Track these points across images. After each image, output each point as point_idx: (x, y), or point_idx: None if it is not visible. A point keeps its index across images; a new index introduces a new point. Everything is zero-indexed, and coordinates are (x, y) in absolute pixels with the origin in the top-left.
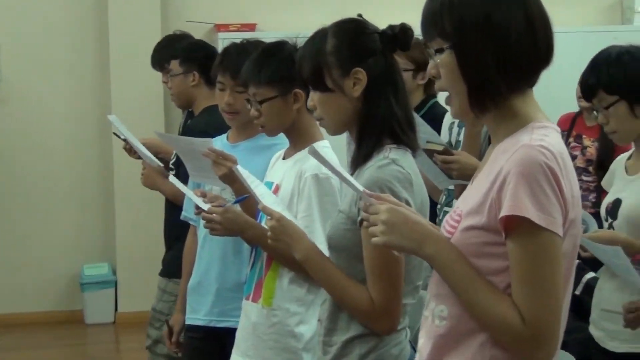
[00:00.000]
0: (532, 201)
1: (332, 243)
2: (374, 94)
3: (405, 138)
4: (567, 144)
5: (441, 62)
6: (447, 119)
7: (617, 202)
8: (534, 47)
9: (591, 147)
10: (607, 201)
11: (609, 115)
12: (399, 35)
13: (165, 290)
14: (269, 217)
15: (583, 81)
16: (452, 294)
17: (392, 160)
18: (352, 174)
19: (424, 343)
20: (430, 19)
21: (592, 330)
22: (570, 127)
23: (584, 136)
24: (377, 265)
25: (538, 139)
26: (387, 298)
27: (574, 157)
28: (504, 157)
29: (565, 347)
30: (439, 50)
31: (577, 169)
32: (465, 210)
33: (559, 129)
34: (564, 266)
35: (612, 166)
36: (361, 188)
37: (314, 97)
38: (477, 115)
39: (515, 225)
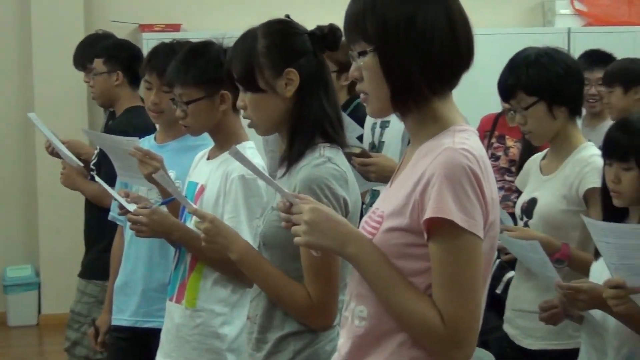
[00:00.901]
0: (455, 204)
1: (266, 241)
2: (306, 93)
3: (336, 137)
4: (490, 144)
5: (364, 65)
6: (370, 119)
7: (532, 202)
8: (456, 51)
9: (514, 148)
10: (522, 200)
11: (527, 116)
12: (328, 35)
13: (84, 292)
14: (199, 220)
15: (501, 82)
16: (371, 294)
17: (328, 159)
18: (284, 173)
19: (344, 343)
20: (353, 21)
21: (507, 328)
22: (492, 127)
23: (506, 137)
24: (315, 262)
25: (460, 142)
26: (324, 295)
27: (496, 158)
28: (427, 160)
29: (486, 346)
30: (362, 53)
31: (500, 169)
32: (387, 211)
33: (477, 132)
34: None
35: (527, 166)
36: (284, 188)
37: (245, 97)
38: (399, 117)
39: (439, 227)
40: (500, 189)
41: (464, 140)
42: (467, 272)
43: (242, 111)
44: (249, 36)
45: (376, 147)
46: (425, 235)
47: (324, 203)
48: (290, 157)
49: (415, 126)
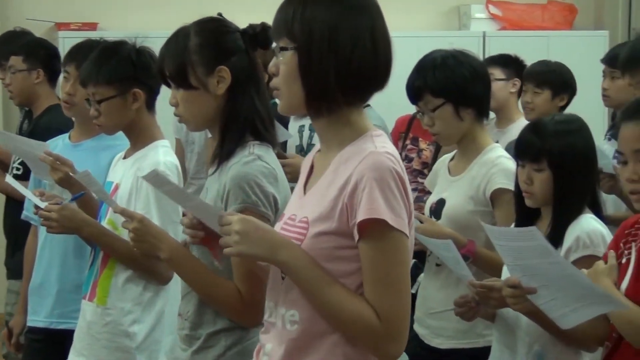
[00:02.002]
0: (386, 204)
1: None
2: (238, 91)
3: (267, 135)
4: (404, 146)
5: (283, 60)
6: (297, 122)
7: (440, 202)
8: (375, 67)
9: (427, 150)
10: (431, 201)
11: (434, 117)
12: (260, 34)
13: (18, 292)
14: (126, 220)
15: (409, 84)
16: (302, 298)
17: (257, 156)
18: (214, 171)
19: (275, 348)
20: (282, 18)
21: (417, 328)
22: (407, 129)
23: (420, 139)
24: (245, 260)
25: (382, 146)
26: (255, 292)
27: (410, 160)
28: (351, 165)
29: None
30: (284, 49)
31: (413, 171)
32: (313, 217)
33: (387, 136)
34: None
35: (436, 166)
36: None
37: (177, 94)
38: (310, 118)
39: (370, 228)
40: (413, 190)
41: (384, 145)
42: (398, 269)
43: (174, 108)
44: (182, 34)
45: (304, 150)
46: (357, 237)
47: (254, 200)
48: (221, 155)
49: (326, 130)
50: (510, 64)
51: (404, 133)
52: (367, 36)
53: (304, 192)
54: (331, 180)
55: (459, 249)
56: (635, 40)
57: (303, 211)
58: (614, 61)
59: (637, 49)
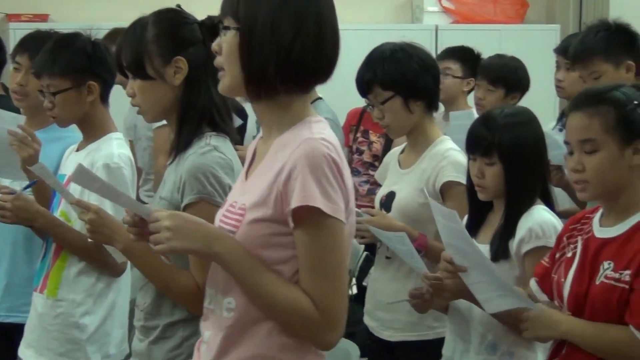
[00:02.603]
0: (320, 191)
1: None
2: (195, 82)
3: (224, 125)
4: (355, 138)
5: (225, 39)
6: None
7: (390, 195)
8: (317, 61)
9: (377, 143)
10: (381, 194)
11: (384, 110)
12: (218, 25)
13: None
14: (82, 211)
15: (359, 77)
16: (238, 285)
17: (214, 147)
18: (171, 161)
19: (213, 335)
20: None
21: (367, 320)
22: (358, 121)
23: (370, 132)
24: None
25: (319, 132)
26: None
27: (360, 152)
28: (287, 151)
29: (352, 337)
30: (227, 28)
31: (364, 163)
32: (249, 203)
33: (328, 123)
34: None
35: (386, 159)
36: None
37: (134, 85)
38: (250, 101)
39: (305, 215)
40: (365, 182)
41: (321, 131)
42: (333, 257)
43: (131, 99)
44: (139, 24)
45: None
46: (291, 224)
47: (209, 191)
48: (178, 145)
49: (266, 115)
50: (469, 59)
51: (355, 126)
52: (312, 25)
53: (246, 178)
54: (268, 167)
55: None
56: (585, 32)
57: (243, 198)
58: (567, 51)
59: (586, 42)
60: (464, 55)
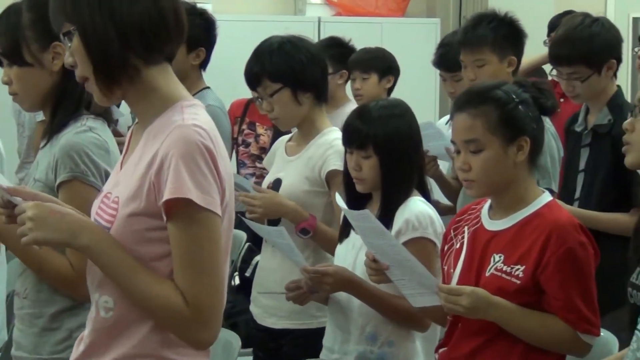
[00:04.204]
0: (192, 182)
1: None
2: None
3: (102, 112)
4: (241, 130)
5: (73, 47)
6: None
7: (277, 182)
8: (162, 20)
9: (264, 135)
10: (267, 180)
11: (273, 102)
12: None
13: None
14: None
15: (247, 70)
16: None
17: (89, 128)
18: (45, 144)
19: (91, 333)
20: (57, 6)
21: (252, 307)
22: (243, 113)
23: (257, 124)
24: None
25: (191, 119)
26: (85, 264)
27: (247, 144)
28: (158, 140)
29: (235, 328)
30: (68, 34)
31: (250, 155)
32: (123, 196)
33: (204, 106)
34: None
35: (274, 146)
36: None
37: (10, 72)
38: (108, 97)
39: (177, 207)
40: (251, 175)
41: (194, 116)
42: (207, 251)
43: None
44: (13, 10)
45: None
46: (165, 217)
47: (83, 169)
48: (52, 127)
49: (138, 104)
50: (338, 53)
51: (240, 117)
52: None
53: (120, 168)
54: (140, 157)
55: (300, 222)
56: (478, 19)
57: (117, 189)
58: (442, 63)
59: (479, 29)
60: (331, 49)
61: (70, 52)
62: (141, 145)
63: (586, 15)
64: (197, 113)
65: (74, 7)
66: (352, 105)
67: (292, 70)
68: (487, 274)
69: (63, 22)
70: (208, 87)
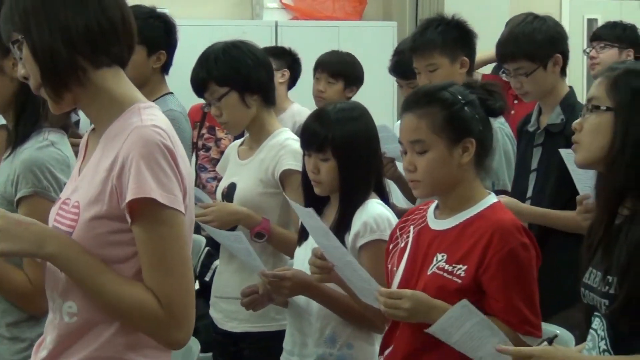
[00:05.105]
0: (155, 181)
1: None
2: None
3: (61, 120)
4: (201, 135)
5: (24, 58)
6: None
7: (232, 187)
8: (108, 24)
9: (225, 139)
10: (222, 185)
11: (221, 107)
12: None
13: None
14: None
15: (194, 77)
16: (78, 288)
17: (51, 143)
18: (8, 155)
19: (54, 340)
20: (6, 14)
21: (212, 312)
22: (202, 118)
23: (217, 128)
24: None
25: (149, 119)
26: (44, 277)
27: (207, 149)
28: (118, 142)
29: (195, 333)
30: (16, 42)
31: (211, 160)
32: (84, 201)
33: (159, 107)
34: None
35: (227, 152)
36: None
37: None
38: (59, 102)
39: (141, 208)
40: (212, 179)
41: (152, 117)
42: (174, 249)
43: None
44: None
45: None
46: (129, 219)
47: (45, 185)
48: (16, 138)
49: (90, 108)
50: (280, 55)
51: (199, 122)
52: None
53: (79, 174)
54: (99, 161)
55: (253, 227)
56: (425, 25)
57: (76, 195)
58: (398, 70)
59: (427, 34)
60: (275, 52)
61: (22, 64)
62: (99, 150)
63: (530, 14)
64: (154, 114)
65: (20, 15)
66: (295, 107)
67: (238, 73)
68: (429, 273)
69: (11, 31)
70: (171, 93)
